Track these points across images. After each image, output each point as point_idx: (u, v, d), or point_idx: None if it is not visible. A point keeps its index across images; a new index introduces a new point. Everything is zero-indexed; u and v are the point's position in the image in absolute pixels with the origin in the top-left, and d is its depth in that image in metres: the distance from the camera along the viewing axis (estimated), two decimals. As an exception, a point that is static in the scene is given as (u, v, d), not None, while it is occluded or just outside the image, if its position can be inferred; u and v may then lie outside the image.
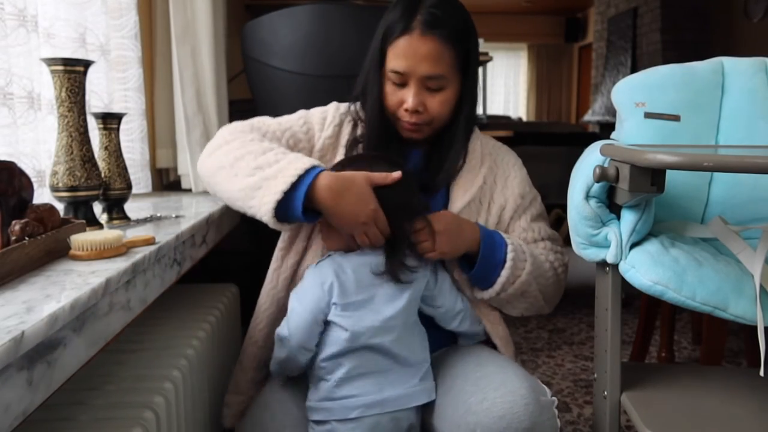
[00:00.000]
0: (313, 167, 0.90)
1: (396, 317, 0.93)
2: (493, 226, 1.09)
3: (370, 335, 0.91)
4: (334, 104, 1.12)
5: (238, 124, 1.02)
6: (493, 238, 1.03)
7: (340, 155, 1.06)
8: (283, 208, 0.89)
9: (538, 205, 1.14)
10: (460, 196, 1.06)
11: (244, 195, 0.90)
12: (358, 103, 1.10)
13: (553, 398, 0.91)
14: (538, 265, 1.04)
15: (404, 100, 1.01)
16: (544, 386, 0.93)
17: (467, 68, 1.04)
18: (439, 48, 0.97)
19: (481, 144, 1.12)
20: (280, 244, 1.10)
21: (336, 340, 0.92)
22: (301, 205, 0.88)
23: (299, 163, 0.89)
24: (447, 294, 1.03)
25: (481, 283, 1.04)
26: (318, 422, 0.93)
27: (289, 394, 1.00)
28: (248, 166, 0.91)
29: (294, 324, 0.93)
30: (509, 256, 1.01)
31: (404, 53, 0.98)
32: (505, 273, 1.00)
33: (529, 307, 1.08)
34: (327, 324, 0.94)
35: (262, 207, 0.88)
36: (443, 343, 1.08)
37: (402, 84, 1.01)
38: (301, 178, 0.88)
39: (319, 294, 0.92)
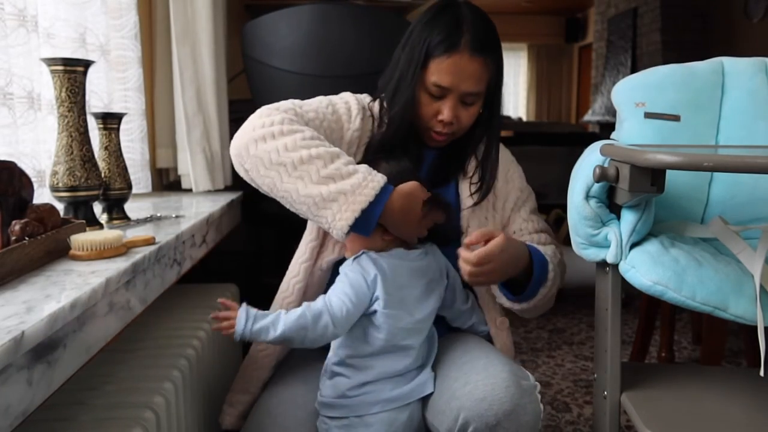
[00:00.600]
0: (387, 185, 0.93)
1: (426, 320, 0.97)
2: (500, 219, 1.14)
3: (402, 336, 0.94)
4: (350, 95, 1.12)
5: (282, 110, 0.98)
6: (541, 262, 1.05)
7: (361, 152, 1.08)
8: (354, 224, 0.90)
9: (533, 199, 1.20)
10: (469, 195, 1.11)
11: (313, 203, 0.90)
12: (378, 102, 1.12)
13: (536, 383, 0.93)
14: (559, 277, 1.09)
15: (440, 111, 1.05)
16: (527, 372, 0.96)
17: (496, 82, 1.09)
18: (483, 69, 1.03)
19: None
20: (310, 241, 1.09)
21: (372, 340, 0.94)
22: (375, 223, 0.91)
23: (374, 181, 0.91)
24: (458, 294, 1.06)
25: (519, 300, 1.07)
26: (333, 418, 0.93)
27: (292, 395, 1.00)
28: (317, 173, 0.90)
29: (340, 318, 0.90)
30: (550, 276, 1.05)
31: (451, 71, 1.02)
32: (543, 291, 1.05)
33: (537, 312, 1.12)
34: (366, 319, 0.94)
35: (337, 222, 0.89)
36: (442, 334, 1.10)
37: (440, 96, 1.04)
38: (377, 197, 0.90)
39: (364, 288, 0.92)
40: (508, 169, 1.16)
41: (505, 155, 1.18)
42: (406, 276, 0.96)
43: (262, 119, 0.94)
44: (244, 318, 0.89)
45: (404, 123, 1.06)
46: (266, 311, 0.92)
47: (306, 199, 0.89)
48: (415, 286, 0.97)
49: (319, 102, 1.07)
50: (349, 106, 1.08)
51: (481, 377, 0.90)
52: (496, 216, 1.13)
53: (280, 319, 0.89)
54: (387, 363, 0.94)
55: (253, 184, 0.95)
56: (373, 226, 0.92)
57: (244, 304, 0.92)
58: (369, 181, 0.91)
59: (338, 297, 0.91)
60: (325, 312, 0.90)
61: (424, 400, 0.98)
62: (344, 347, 0.95)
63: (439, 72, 1.02)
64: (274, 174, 0.90)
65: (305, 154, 0.90)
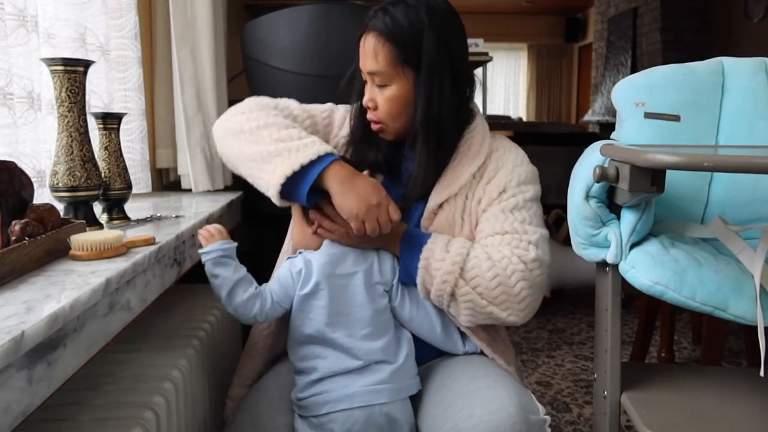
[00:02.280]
0: (332, 153, 0.94)
1: (352, 314, 0.96)
2: (471, 223, 1.01)
3: (329, 330, 0.94)
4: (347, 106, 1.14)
5: (265, 99, 1.05)
6: (410, 239, 0.97)
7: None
8: (291, 183, 0.91)
9: (521, 198, 0.99)
10: (438, 193, 1.01)
11: (260, 158, 0.93)
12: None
13: (546, 417, 0.89)
14: (477, 273, 0.92)
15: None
16: (538, 404, 0.91)
17: (418, 65, 0.98)
18: (375, 45, 1.00)
19: (482, 142, 1.04)
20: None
21: (307, 338, 0.96)
22: (310, 183, 0.91)
23: (321, 145, 0.93)
24: (412, 305, 1.00)
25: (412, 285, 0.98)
26: (301, 417, 0.95)
27: (279, 392, 1.01)
28: (270, 136, 0.94)
29: (273, 301, 0.98)
30: (421, 263, 0.94)
31: (360, 51, 1.03)
32: (424, 265, 0.94)
33: (482, 319, 0.96)
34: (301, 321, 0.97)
35: (276, 172, 0.90)
36: (436, 355, 1.06)
37: (366, 81, 1.05)
38: (320, 158, 0.91)
39: (289, 280, 0.98)
40: (502, 165, 1.02)
41: (507, 155, 1.03)
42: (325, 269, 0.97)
43: (239, 105, 1.03)
44: (219, 245, 0.97)
45: (356, 116, 1.08)
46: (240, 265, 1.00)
47: (254, 156, 0.94)
48: (342, 279, 0.97)
49: (320, 105, 1.12)
50: (346, 115, 1.11)
51: (486, 410, 0.85)
52: (469, 218, 1.00)
53: (241, 270, 0.98)
54: (332, 360, 0.94)
55: (222, 158, 1.02)
56: (307, 186, 0.90)
57: (233, 243, 0.99)
58: (317, 144, 0.93)
59: (269, 286, 0.99)
60: (266, 290, 0.98)
61: (419, 417, 0.95)
62: (289, 346, 1.00)
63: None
64: (233, 140, 0.98)
65: (263, 121, 0.97)
